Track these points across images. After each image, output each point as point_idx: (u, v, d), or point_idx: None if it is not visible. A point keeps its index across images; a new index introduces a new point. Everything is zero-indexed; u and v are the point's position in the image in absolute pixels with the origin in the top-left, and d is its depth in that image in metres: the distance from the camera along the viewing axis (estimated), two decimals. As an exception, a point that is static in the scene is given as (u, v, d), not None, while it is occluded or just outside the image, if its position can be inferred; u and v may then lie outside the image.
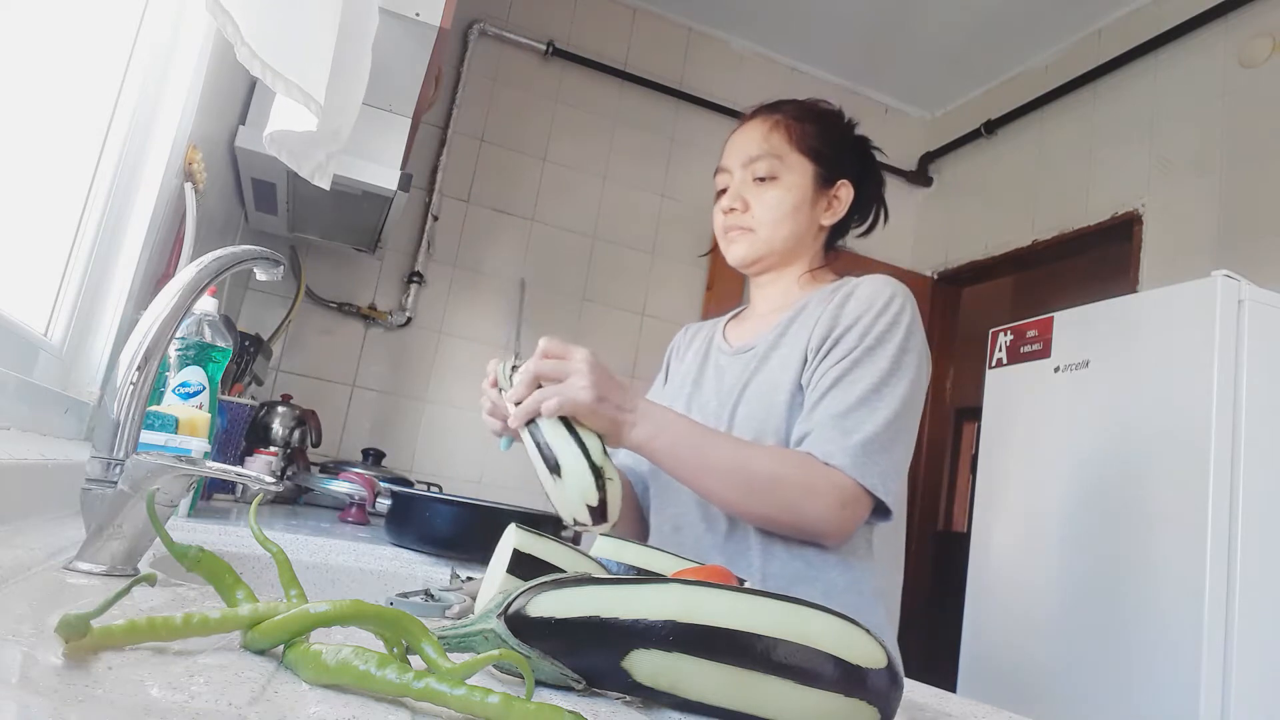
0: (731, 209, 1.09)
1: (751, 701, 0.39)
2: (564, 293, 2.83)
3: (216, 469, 0.58)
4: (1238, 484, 1.58)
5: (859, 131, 1.16)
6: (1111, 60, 2.68)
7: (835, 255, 1.16)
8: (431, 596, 0.71)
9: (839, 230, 1.15)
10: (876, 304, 1.00)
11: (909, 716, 0.49)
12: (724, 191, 1.12)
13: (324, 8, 0.99)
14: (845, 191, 1.11)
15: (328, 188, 1.25)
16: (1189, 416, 1.63)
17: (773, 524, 0.96)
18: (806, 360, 1.01)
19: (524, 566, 0.55)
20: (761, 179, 1.08)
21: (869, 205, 1.15)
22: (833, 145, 1.10)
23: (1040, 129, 2.93)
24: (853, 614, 0.88)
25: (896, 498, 0.93)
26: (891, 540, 1.07)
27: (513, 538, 0.56)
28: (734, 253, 1.11)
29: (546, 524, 1.25)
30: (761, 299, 1.17)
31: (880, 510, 0.94)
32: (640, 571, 0.62)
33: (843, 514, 0.91)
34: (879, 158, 1.17)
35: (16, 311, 0.86)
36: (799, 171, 1.08)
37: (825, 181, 1.10)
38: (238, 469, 0.60)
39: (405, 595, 0.71)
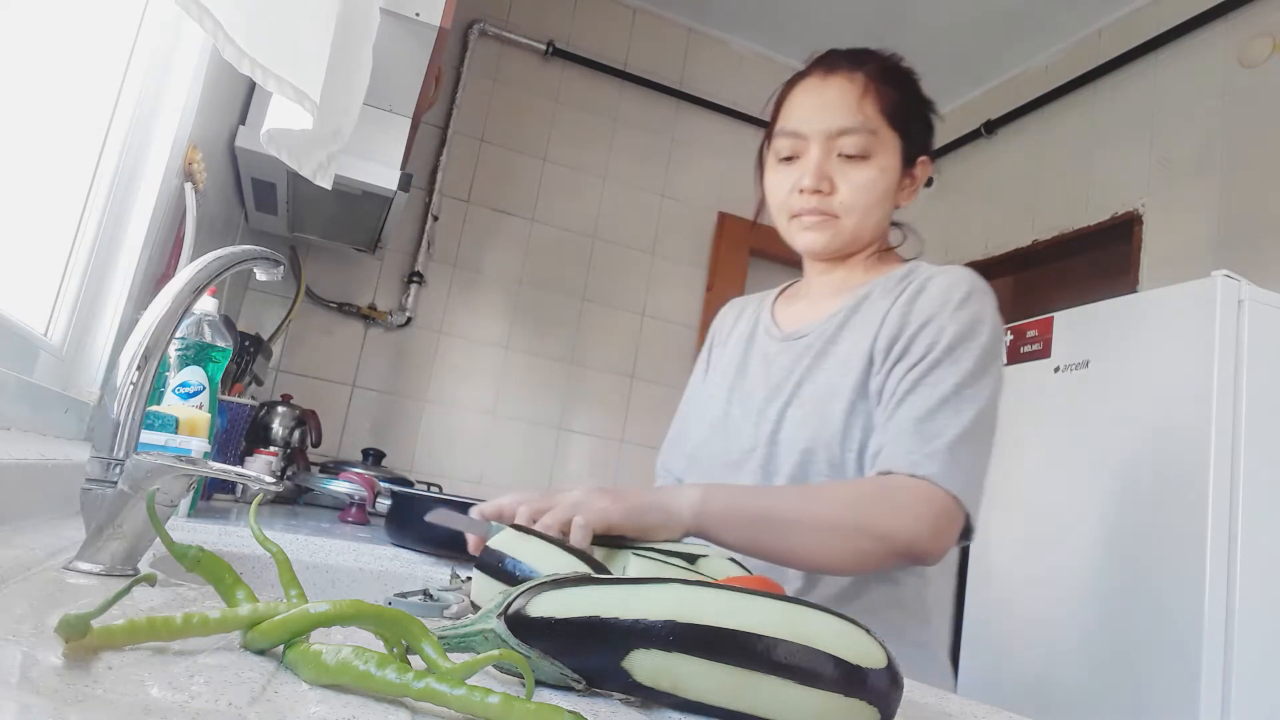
0: (816, 190, 0.93)
1: (751, 701, 0.39)
2: (564, 293, 2.83)
3: (217, 469, 0.58)
4: (1238, 484, 1.58)
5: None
6: (1111, 60, 2.68)
7: (903, 237, 1.04)
8: (430, 596, 0.71)
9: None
10: (953, 299, 0.89)
11: (909, 716, 0.49)
12: (788, 160, 0.96)
13: (319, 5, 0.99)
14: (923, 170, 0.98)
15: (329, 187, 1.25)
16: (1189, 416, 1.63)
17: (865, 559, 0.80)
18: (872, 362, 0.90)
19: (493, 565, 0.55)
20: (851, 157, 0.92)
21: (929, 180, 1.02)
22: (917, 115, 0.97)
23: (1040, 129, 2.93)
24: (898, 631, 0.85)
25: (977, 509, 0.83)
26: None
27: (495, 537, 0.56)
28: (811, 240, 0.96)
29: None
30: (820, 282, 1.03)
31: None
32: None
33: (937, 526, 0.78)
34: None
35: (16, 311, 0.86)
36: (891, 149, 0.94)
37: (908, 159, 0.96)
38: (238, 469, 0.60)
39: (404, 595, 0.71)
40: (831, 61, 0.97)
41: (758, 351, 1.03)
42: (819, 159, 0.93)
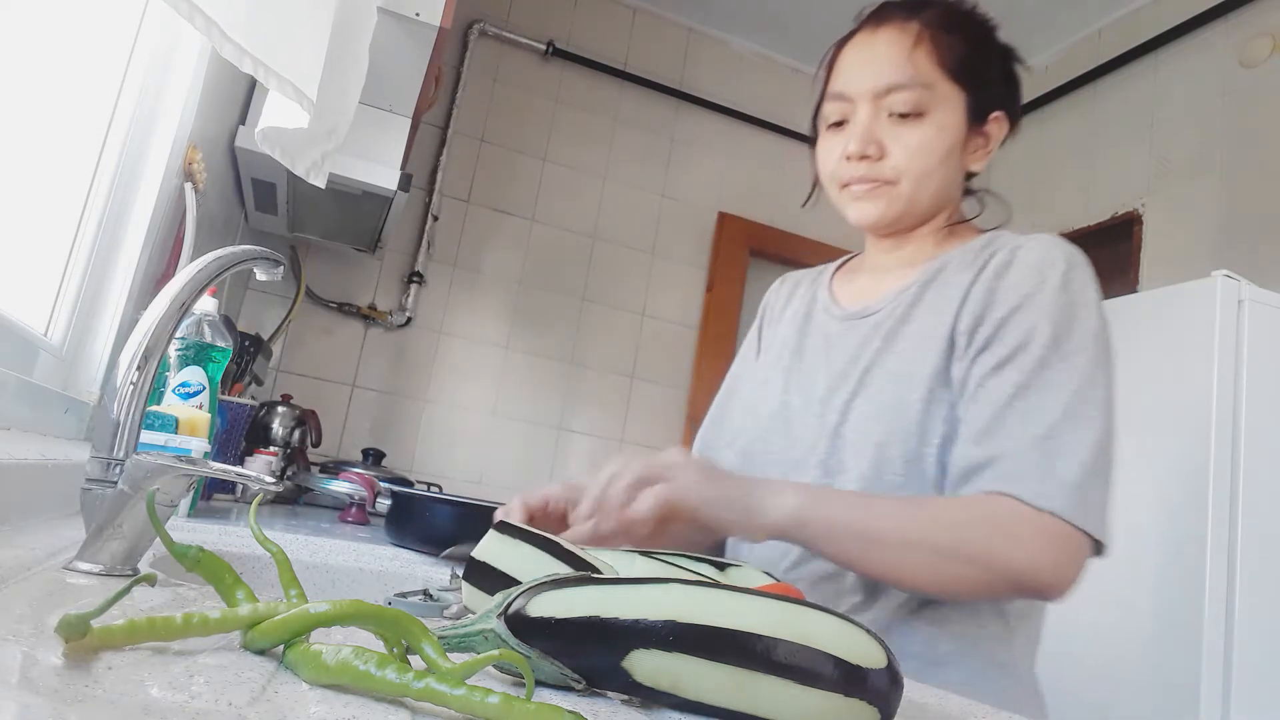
0: (864, 155, 0.83)
1: (751, 701, 0.39)
2: (564, 293, 2.83)
3: (216, 469, 0.58)
4: (1238, 484, 1.58)
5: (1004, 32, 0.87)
6: (1111, 60, 2.68)
7: (981, 206, 0.93)
8: (430, 596, 0.71)
9: (969, 172, 0.91)
10: (1050, 278, 0.77)
11: (909, 716, 0.49)
12: (837, 125, 0.87)
13: (317, 3, 0.99)
14: (998, 127, 0.87)
15: (323, 186, 1.25)
16: (1189, 416, 1.63)
17: (977, 589, 0.73)
18: (953, 345, 0.79)
19: (477, 574, 0.54)
20: (904, 115, 0.82)
21: (1009, 138, 0.90)
22: (986, 65, 0.85)
23: (1040, 129, 2.93)
24: (973, 645, 0.77)
25: (1108, 532, 0.74)
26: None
27: (481, 543, 0.55)
28: (863, 212, 0.86)
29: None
30: (885, 254, 0.92)
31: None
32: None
33: (1059, 562, 0.70)
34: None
35: (16, 311, 0.86)
36: (952, 104, 0.83)
37: (977, 115, 0.85)
38: (238, 469, 0.60)
39: (404, 595, 0.71)
40: (883, 13, 0.86)
41: (816, 332, 0.92)
42: (866, 121, 0.83)
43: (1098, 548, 0.74)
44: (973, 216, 0.92)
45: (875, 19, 0.87)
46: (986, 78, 0.85)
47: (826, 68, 0.90)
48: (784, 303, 1.02)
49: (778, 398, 0.91)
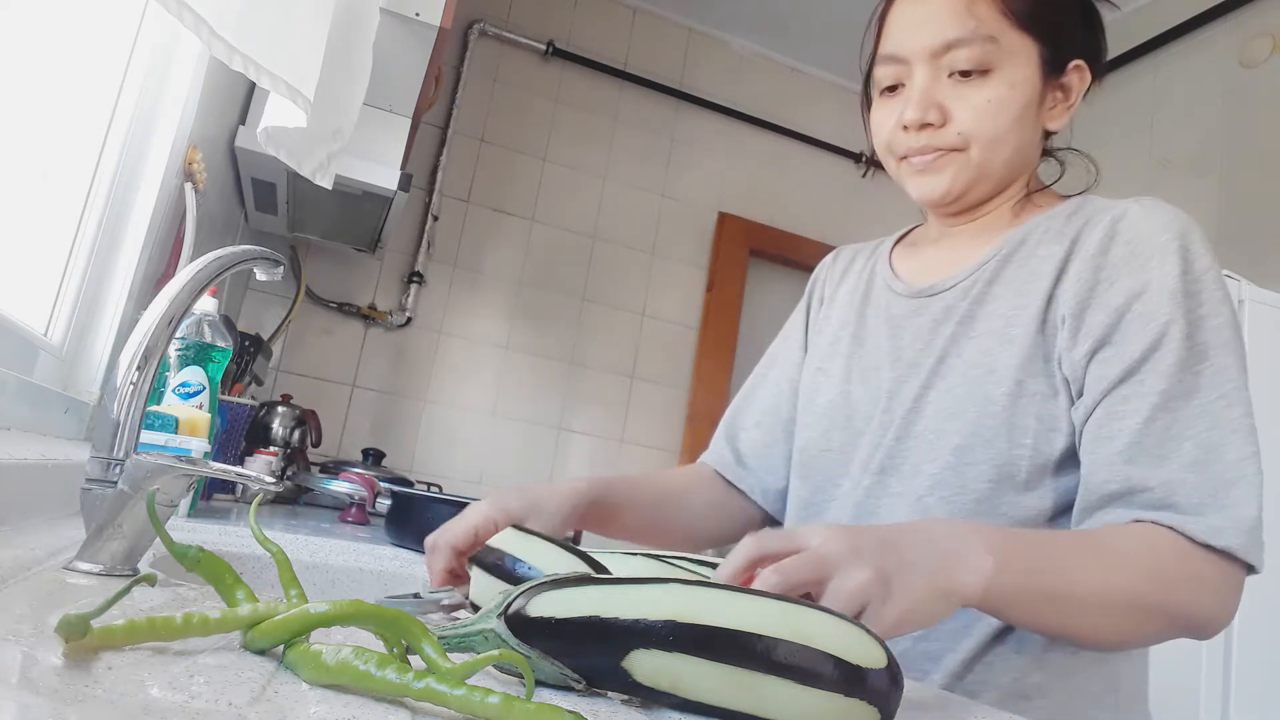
0: (925, 124, 0.73)
1: (751, 701, 0.39)
2: (564, 293, 2.83)
3: (216, 469, 0.58)
4: (1238, 484, 1.58)
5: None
6: (1111, 60, 2.67)
7: (1062, 168, 0.81)
8: (420, 597, 0.70)
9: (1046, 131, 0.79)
10: (1169, 257, 0.68)
11: (909, 716, 0.49)
12: (890, 90, 0.77)
13: (314, 2, 0.99)
14: (1079, 77, 0.76)
15: (329, 187, 1.25)
16: (1189, 416, 1.63)
17: (1149, 639, 0.66)
18: (1047, 331, 0.70)
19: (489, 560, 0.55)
20: (967, 74, 0.72)
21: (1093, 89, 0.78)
22: (1061, 10, 0.74)
23: (1040, 129, 2.93)
24: (1077, 677, 0.68)
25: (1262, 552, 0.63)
26: None
27: (498, 537, 0.56)
28: (927, 188, 0.75)
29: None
30: (952, 227, 0.81)
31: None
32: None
33: (1231, 605, 0.63)
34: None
35: (16, 311, 0.86)
36: (1023, 58, 0.72)
37: (1053, 67, 0.74)
38: (238, 469, 0.60)
39: (396, 597, 0.71)
40: None
41: (878, 312, 0.82)
42: (924, 84, 0.73)
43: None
44: (1053, 181, 0.81)
45: None
46: (1062, 23, 0.74)
47: (877, 25, 0.80)
48: (838, 279, 0.91)
49: (837, 388, 0.82)
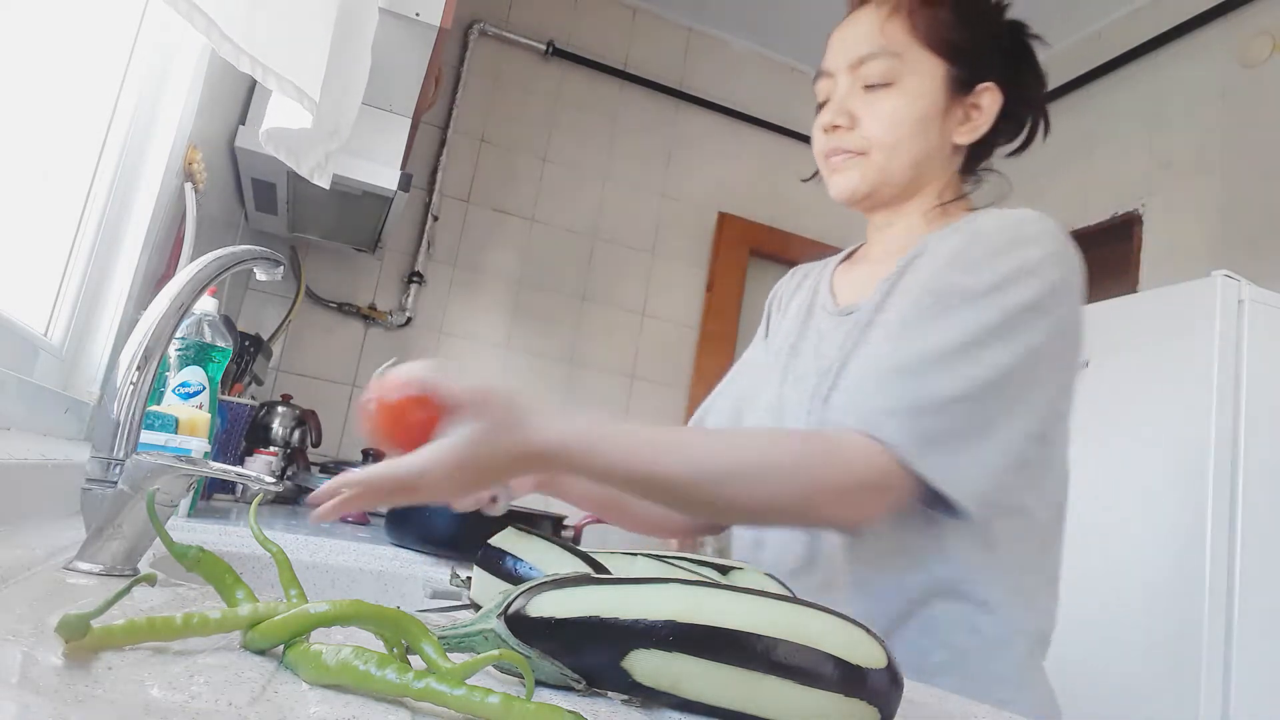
0: (835, 126, 0.83)
1: (751, 701, 0.39)
2: (564, 293, 2.83)
3: (217, 469, 0.58)
4: (1238, 484, 1.58)
5: (1011, 15, 0.85)
6: (1111, 60, 2.68)
7: (977, 182, 0.90)
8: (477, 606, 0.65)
9: (981, 150, 0.88)
10: (996, 239, 0.75)
11: (909, 716, 0.49)
12: (826, 104, 0.87)
13: (319, 3, 0.99)
14: (989, 98, 0.83)
15: (327, 186, 1.25)
16: (1189, 416, 1.63)
17: (777, 523, 0.77)
18: None
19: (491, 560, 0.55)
20: (874, 86, 0.82)
21: (1023, 115, 0.87)
22: (974, 35, 0.83)
23: (1040, 129, 2.93)
24: (974, 656, 0.75)
25: (981, 497, 0.68)
26: (1038, 560, 0.85)
27: (499, 537, 0.56)
28: (839, 184, 0.85)
29: (544, 524, 1.25)
30: (878, 240, 0.91)
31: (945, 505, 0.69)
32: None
33: (861, 497, 0.67)
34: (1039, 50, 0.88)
35: (16, 311, 0.86)
36: (925, 73, 0.82)
37: (962, 85, 0.83)
38: (238, 469, 0.60)
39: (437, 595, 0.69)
40: None
41: (814, 327, 0.91)
42: (841, 93, 0.84)
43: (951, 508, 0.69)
44: (970, 193, 0.90)
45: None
46: (973, 47, 0.83)
47: (824, 50, 0.91)
48: (791, 295, 1.01)
49: (775, 390, 0.91)
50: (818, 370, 0.85)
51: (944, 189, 0.87)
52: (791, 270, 1.05)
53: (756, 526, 0.82)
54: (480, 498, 0.72)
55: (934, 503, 0.69)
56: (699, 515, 0.74)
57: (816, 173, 0.91)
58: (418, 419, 0.59)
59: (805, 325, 0.92)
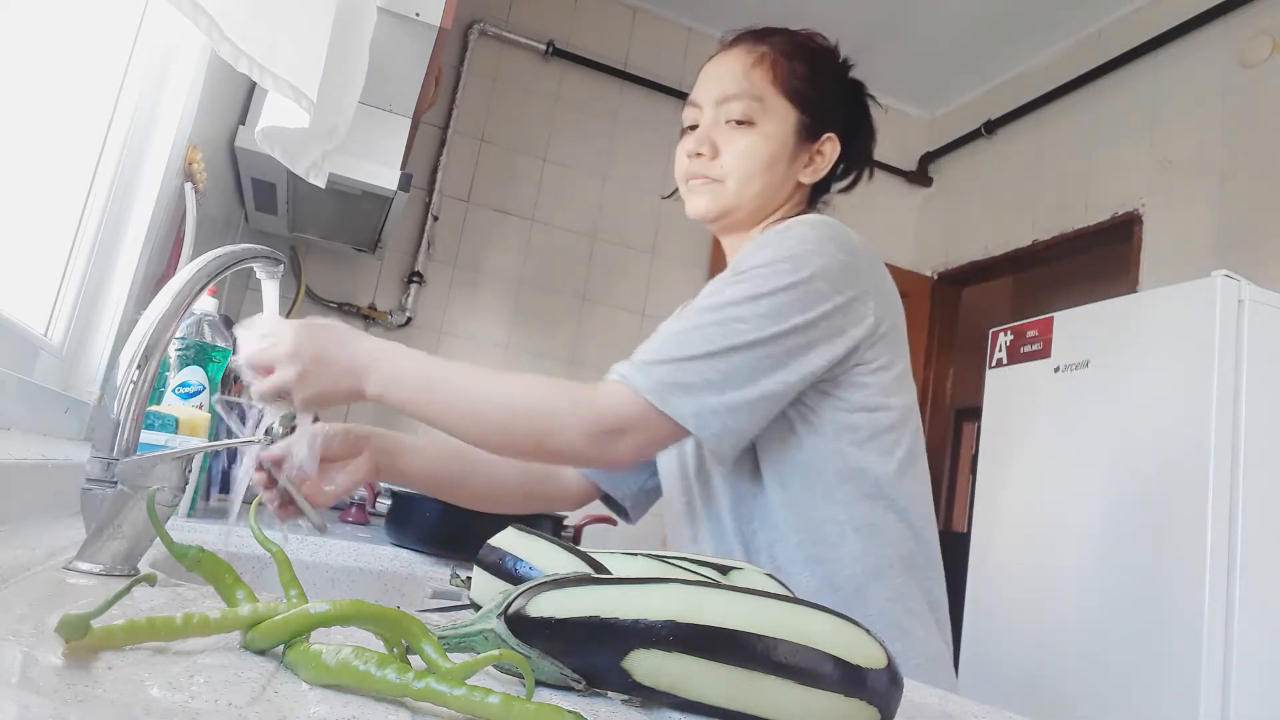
0: (698, 154, 0.94)
1: (751, 701, 0.39)
2: (564, 293, 2.83)
3: (209, 444, 0.58)
4: (1238, 484, 1.58)
5: (854, 75, 0.97)
6: (1111, 60, 2.68)
7: (819, 211, 1.00)
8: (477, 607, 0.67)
9: (820, 188, 1.00)
10: (769, 235, 0.86)
11: (909, 716, 0.49)
12: (691, 129, 0.97)
13: (317, 3, 0.99)
14: (830, 147, 0.95)
15: (323, 185, 1.25)
16: (1189, 416, 1.63)
17: (534, 458, 0.90)
18: None
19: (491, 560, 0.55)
20: (736, 122, 0.92)
21: (857, 162, 1.00)
22: (823, 91, 0.94)
23: (1040, 129, 2.93)
24: (891, 630, 0.81)
25: (729, 436, 0.79)
26: (883, 522, 0.91)
27: (499, 536, 0.56)
28: (695, 204, 0.96)
29: (544, 524, 1.25)
30: (728, 253, 1.02)
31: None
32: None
33: (605, 439, 0.78)
34: (872, 108, 1.00)
35: (16, 311, 0.86)
36: (780, 118, 0.92)
37: (810, 133, 0.94)
38: (225, 441, 0.60)
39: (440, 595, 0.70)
40: (738, 38, 0.97)
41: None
42: (705, 125, 0.94)
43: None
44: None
45: (731, 42, 0.98)
46: (822, 101, 0.94)
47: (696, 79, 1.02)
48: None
49: None
50: None
51: (783, 218, 0.97)
52: None
53: (515, 457, 0.92)
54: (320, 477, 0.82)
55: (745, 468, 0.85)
56: (473, 440, 0.84)
57: (675, 190, 1.01)
58: None
59: None
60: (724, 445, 0.79)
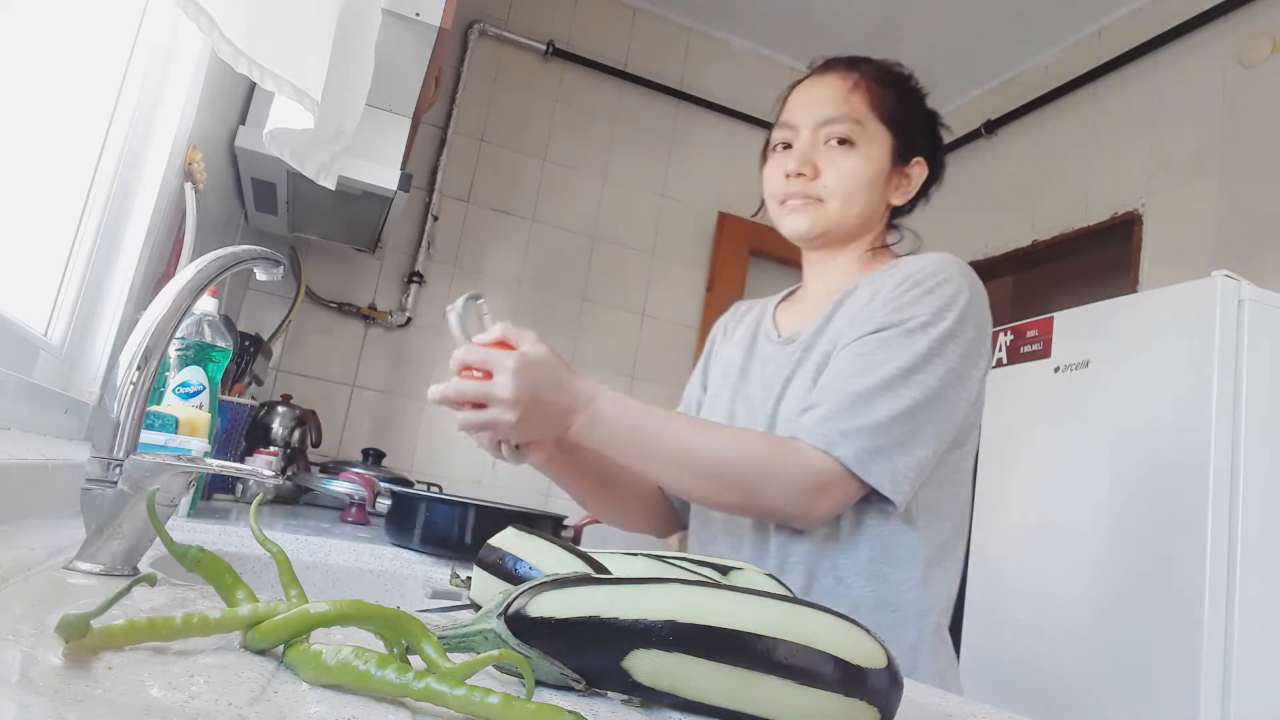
0: (799, 174, 0.96)
1: (751, 701, 0.39)
2: (564, 293, 2.83)
3: (216, 465, 0.58)
4: (1238, 484, 1.58)
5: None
6: (1111, 60, 2.68)
7: (899, 236, 1.06)
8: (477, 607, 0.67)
9: (902, 210, 1.05)
10: (924, 281, 0.89)
11: (909, 716, 0.49)
12: (784, 148, 1.00)
13: (321, 4, 0.99)
14: (919, 170, 1.01)
15: (333, 187, 1.25)
16: (1189, 416, 1.63)
17: (729, 509, 0.92)
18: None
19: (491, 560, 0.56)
20: (839, 141, 0.96)
21: (930, 187, 1.05)
22: (911, 117, 1.00)
23: (1040, 129, 2.93)
24: (887, 632, 0.85)
25: (906, 495, 0.83)
26: (948, 553, 0.94)
27: (499, 536, 0.56)
28: (795, 223, 0.99)
29: (544, 524, 1.25)
30: (815, 278, 1.05)
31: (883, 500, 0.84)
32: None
33: (811, 498, 0.83)
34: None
35: (16, 311, 0.86)
36: (878, 142, 0.97)
37: (901, 157, 0.99)
38: (236, 465, 0.60)
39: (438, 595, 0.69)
40: (829, 64, 1.02)
41: (759, 354, 1.05)
42: (806, 145, 0.97)
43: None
44: (894, 243, 1.05)
45: (823, 68, 1.02)
46: (911, 127, 0.99)
47: (780, 103, 1.05)
48: (734, 328, 1.15)
49: (725, 409, 1.03)
50: (764, 390, 0.99)
51: (875, 238, 1.02)
52: (733, 306, 1.21)
53: (716, 508, 0.95)
54: (506, 445, 0.88)
55: (871, 499, 0.86)
56: (678, 488, 0.88)
57: (762, 206, 1.05)
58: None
59: (751, 352, 1.06)
60: (908, 499, 0.84)
